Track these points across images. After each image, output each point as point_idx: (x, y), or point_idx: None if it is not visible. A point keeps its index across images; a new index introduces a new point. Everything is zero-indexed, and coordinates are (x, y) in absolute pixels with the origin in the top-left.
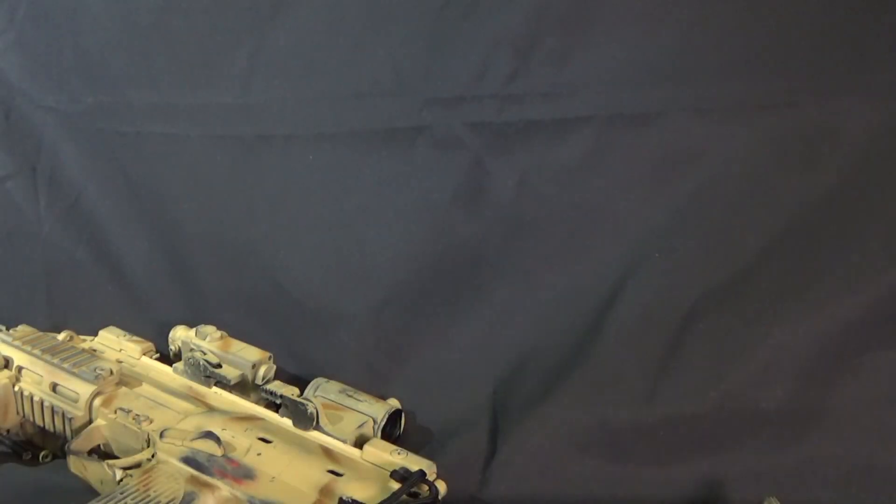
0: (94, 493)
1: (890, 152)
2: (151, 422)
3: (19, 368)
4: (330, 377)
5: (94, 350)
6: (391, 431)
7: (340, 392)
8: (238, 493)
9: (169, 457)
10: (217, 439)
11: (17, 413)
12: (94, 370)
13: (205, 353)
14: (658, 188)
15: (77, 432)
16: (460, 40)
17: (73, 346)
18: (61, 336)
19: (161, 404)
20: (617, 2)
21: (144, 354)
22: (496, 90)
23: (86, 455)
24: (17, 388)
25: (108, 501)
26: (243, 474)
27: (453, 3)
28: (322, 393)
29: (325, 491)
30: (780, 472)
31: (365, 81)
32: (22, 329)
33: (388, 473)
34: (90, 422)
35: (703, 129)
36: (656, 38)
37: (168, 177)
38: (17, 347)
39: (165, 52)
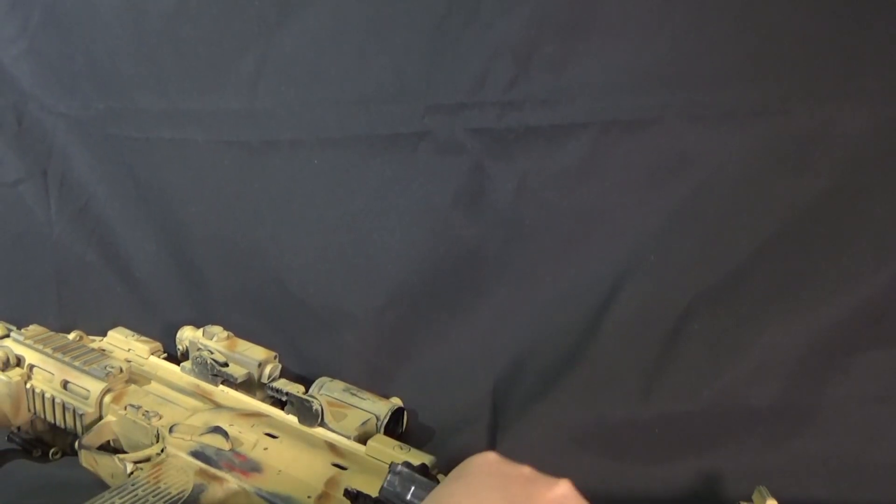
0: (105, 488)
1: (880, 157)
2: (161, 418)
3: (31, 367)
4: (334, 376)
5: (104, 350)
6: (394, 429)
7: (344, 390)
8: (246, 486)
9: (178, 451)
10: (225, 434)
11: (29, 410)
12: (105, 368)
13: (212, 353)
14: (653, 192)
15: (88, 428)
16: (461, 48)
17: (83, 346)
18: (71, 336)
19: (170, 401)
20: (613, 11)
21: (152, 354)
22: (496, 97)
23: (96, 450)
24: (28, 386)
25: (120, 492)
26: (251, 467)
27: (454, 12)
28: (326, 391)
29: (330, 483)
30: (772, 468)
31: (369, 88)
32: (33, 329)
33: None
34: (100, 418)
35: (697, 134)
36: (652, 46)
37: (176, 181)
38: (28, 346)
39: (174, 58)
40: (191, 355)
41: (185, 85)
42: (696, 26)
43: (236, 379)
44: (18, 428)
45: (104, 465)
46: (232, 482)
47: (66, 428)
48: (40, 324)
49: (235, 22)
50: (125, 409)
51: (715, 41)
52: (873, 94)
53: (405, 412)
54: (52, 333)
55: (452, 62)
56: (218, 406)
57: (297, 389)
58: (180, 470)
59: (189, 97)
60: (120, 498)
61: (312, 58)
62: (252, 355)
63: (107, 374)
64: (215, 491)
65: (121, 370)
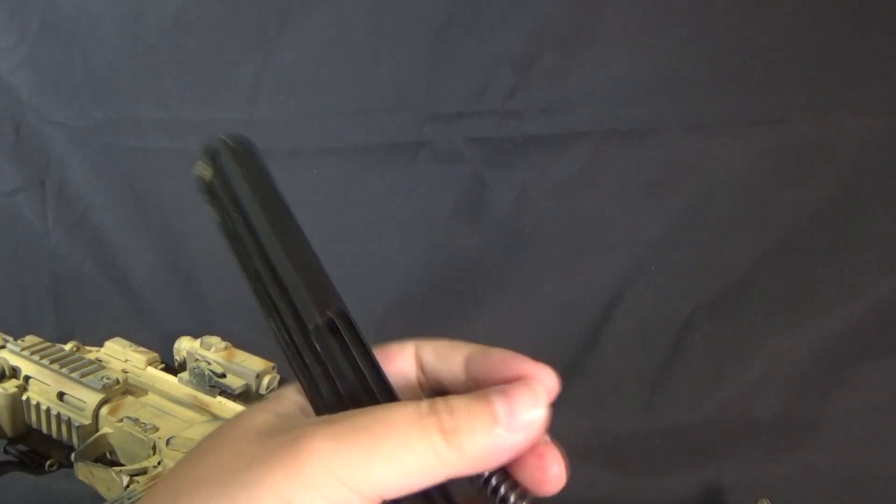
0: (101, 500)
1: (879, 166)
2: (157, 430)
3: (27, 378)
4: None
5: (100, 360)
6: None
7: None
8: None
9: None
10: None
11: (25, 422)
12: (101, 379)
13: (209, 363)
14: (653, 201)
15: (84, 440)
16: (461, 58)
17: (79, 356)
18: (68, 346)
19: (167, 413)
20: (613, 21)
21: (150, 364)
22: (496, 106)
23: (93, 462)
24: (25, 397)
25: None
26: None
27: (454, 22)
28: None
29: None
30: (775, 480)
31: (368, 97)
32: (30, 339)
33: None
34: (97, 430)
35: (697, 143)
36: (651, 56)
37: (174, 190)
38: (24, 357)
39: (173, 68)
40: (188, 366)
41: (184, 95)
42: (696, 36)
43: (234, 390)
44: (14, 439)
45: (100, 478)
46: None
47: (62, 440)
48: (37, 334)
49: (234, 33)
50: (122, 420)
51: (715, 51)
52: (874, 103)
53: None
54: (48, 344)
55: (452, 72)
56: (215, 417)
57: None
58: None
59: (188, 107)
60: None
61: (311, 68)
62: (250, 366)
63: (103, 386)
64: None
65: (117, 381)
